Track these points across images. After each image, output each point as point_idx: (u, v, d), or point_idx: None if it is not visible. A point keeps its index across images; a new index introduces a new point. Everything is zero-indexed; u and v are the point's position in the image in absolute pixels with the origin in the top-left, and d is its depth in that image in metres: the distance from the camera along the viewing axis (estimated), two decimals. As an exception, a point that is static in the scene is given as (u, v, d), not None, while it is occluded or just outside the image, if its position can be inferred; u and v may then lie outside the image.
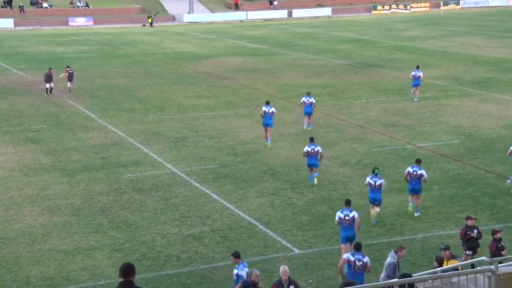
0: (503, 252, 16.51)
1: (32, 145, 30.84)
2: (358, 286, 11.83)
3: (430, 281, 13.02)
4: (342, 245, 18.40)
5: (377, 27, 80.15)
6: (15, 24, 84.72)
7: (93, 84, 45.69)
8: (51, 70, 42.48)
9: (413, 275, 12.92)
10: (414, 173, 21.65)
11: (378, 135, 31.82)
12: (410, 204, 22.07)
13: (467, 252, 17.62)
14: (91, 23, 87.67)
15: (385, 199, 22.29)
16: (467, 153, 28.73)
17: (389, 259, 15.78)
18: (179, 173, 26.66)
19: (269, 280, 16.82)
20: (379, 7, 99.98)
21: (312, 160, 24.60)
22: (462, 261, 16.01)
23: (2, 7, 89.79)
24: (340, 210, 18.55)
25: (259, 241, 20.28)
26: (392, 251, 15.94)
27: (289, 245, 19.99)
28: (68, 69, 43.26)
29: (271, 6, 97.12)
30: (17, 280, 18.17)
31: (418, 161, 22.28)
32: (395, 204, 22.89)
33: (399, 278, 12.32)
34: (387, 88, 42.55)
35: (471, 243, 17.64)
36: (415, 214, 21.90)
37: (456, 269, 14.08)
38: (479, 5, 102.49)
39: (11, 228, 21.48)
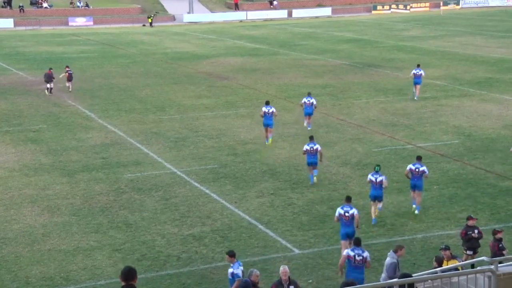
0: (504, 252, 16.49)
1: (32, 145, 30.85)
2: (358, 286, 11.82)
3: (430, 281, 13.02)
4: (342, 242, 18.54)
5: (377, 27, 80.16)
6: (15, 24, 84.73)
7: (93, 84, 45.70)
8: (52, 70, 42.52)
9: (413, 275, 12.91)
10: (417, 170, 21.79)
11: (378, 135, 31.83)
12: (414, 205, 22.14)
13: (468, 252, 17.62)
14: (91, 23, 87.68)
15: (385, 199, 22.31)
16: (467, 153, 28.73)
17: (389, 259, 15.76)
18: (179, 173, 26.66)
19: (269, 280, 16.82)
20: (379, 7, 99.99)
21: (312, 159, 24.67)
22: (463, 261, 16.00)
23: (2, 7, 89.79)
24: (340, 207, 18.68)
25: (259, 241, 20.28)
26: (391, 251, 15.92)
27: (289, 245, 19.99)
28: (67, 69, 43.28)
29: (271, 6, 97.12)
30: (17, 280, 18.17)
31: (419, 158, 22.43)
32: (395, 204, 22.89)
33: (399, 278, 12.33)
34: (387, 88, 42.55)
35: (471, 243, 17.64)
36: (416, 212, 21.96)
37: (456, 269, 14.08)
38: (479, 5, 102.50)
39: (11, 228, 21.48)
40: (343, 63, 53.02)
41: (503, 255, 15.94)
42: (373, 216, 21.42)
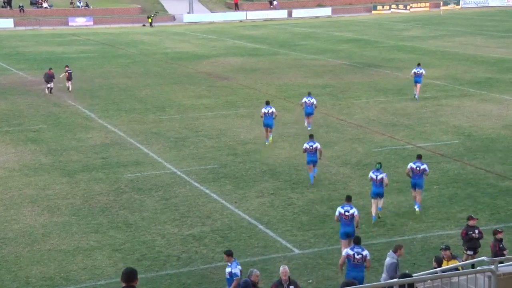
0: (505, 253, 16.48)
1: (32, 145, 30.85)
2: (358, 286, 11.82)
3: (430, 281, 13.02)
4: (342, 241, 18.63)
5: (377, 27, 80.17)
6: (15, 24, 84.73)
7: (93, 84, 45.70)
8: (52, 70, 42.57)
9: (413, 275, 12.91)
10: (417, 168, 21.89)
11: (378, 135, 31.83)
12: (416, 205, 22.20)
13: (468, 252, 17.62)
14: (91, 23, 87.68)
15: (385, 199, 22.34)
16: (467, 153, 28.73)
17: (388, 260, 15.76)
18: (179, 173, 26.66)
19: (269, 280, 16.82)
20: (379, 7, 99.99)
21: (311, 157, 24.77)
22: (463, 261, 16.00)
23: (2, 7, 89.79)
24: (340, 206, 18.77)
25: (259, 241, 20.28)
26: (391, 251, 15.92)
27: (289, 245, 19.99)
28: (67, 68, 43.32)
29: (271, 6, 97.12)
30: (17, 280, 18.17)
31: (419, 157, 22.52)
32: (395, 204, 22.89)
33: (399, 278, 12.33)
34: (387, 88, 42.55)
35: (472, 243, 17.63)
36: (416, 209, 22.04)
37: (456, 269, 14.08)
38: (479, 5, 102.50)
39: (11, 228, 21.48)
40: (343, 63, 53.02)
41: (503, 255, 15.92)
42: (373, 214, 21.47)
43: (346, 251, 16.44)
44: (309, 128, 32.04)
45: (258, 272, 14.87)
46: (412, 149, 29.09)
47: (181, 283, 17.87)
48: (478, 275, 11.97)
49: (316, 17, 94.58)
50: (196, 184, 25.32)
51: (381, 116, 35.44)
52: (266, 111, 29.84)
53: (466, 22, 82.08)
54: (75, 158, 28.86)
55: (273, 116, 29.95)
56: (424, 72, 39.17)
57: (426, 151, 28.44)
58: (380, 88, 42.57)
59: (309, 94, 32.86)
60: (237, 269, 15.42)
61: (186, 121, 34.90)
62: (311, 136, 25.35)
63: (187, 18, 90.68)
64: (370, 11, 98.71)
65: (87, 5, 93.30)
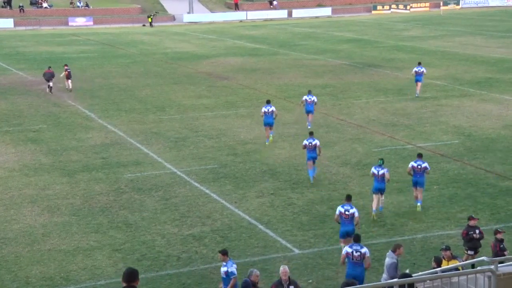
0: (505, 253, 16.48)
1: (32, 145, 30.85)
2: (358, 286, 11.82)
3: (430, 281, 13.01)
4: (342, 240, 18.78)
5: (377, 27, 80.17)
6: (15, 24, 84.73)
7: (93, 84, 45.70)
8: (51, 69, 42.65)
9: (413, 275, 12.91)
10: (419, 166, 22.11)
11: (378, 135, 31.83)
12: (418, 204, 22.33)
13: (469, 252, 17.62)
14: (91, 23, 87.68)
15: (385, 199, 22.37)
16: (467, 153, 28.73)
17: (388, 260, 15.76)
18: (179, 173, 26.66)
19: (269, 280, 16.82)
20: (379, 7, 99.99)
21: (311, 154, 24.95)
22: (463, 261, 16.00)
23: (2, 7, 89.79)
24: (341, 205, 18.90)
25: (259, 241, 20.28)
26: (390, 251, 15.93)
27: (289, 245, 19.99)
28: (66, 67, 43.39)
29: (271, 6, 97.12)
30: (17, 280, 18.17)
31: (420, 155, 22.75)
32: (395, 204, 22.90)
33: (399, 278, 12.33)
34: (387, 88, 42.56)
35: (472, 243, 17.63)
36: (418, 204, 22.20)
37: (456, 269, 14.07)
38: (479, 5, 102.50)
39: (11, 228, 21.48)
40: (343, 63, 53.02)
41: (504, 255, 15.91)
42: (374, 208, 21.73)
43: (345, 249, 16.55)
44: (309, 127, 32.10)
45: (258, 272, 14.87)
46: (412, 149, 29.09)
47: (181, 283, 17.87)
48: (478, 275, 11.96)
49: (316, 17, 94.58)
50: (196, 184, 25.32)
51: (381, 116, 35.44)
52: (266, 110, 29.95)
53: (466, 22, 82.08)
54: (75, 158, 28.86)
55: (273, 115, 30.01)
56: (425, 71, 39.35)
57: (426, 151, 28.43)
58: (380, 88, 42.57)
59: (309, 92, 32.96)
60: (233, 268, 15.41)
61: (186, 121, 34.91)
62: (311, 133, 25.70)
63: (187, 18, 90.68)
64: (370, 11, 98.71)
65: (87, 5, 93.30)
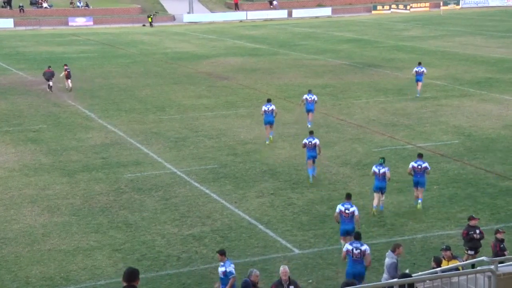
0: (505, 253, 16.48)
1: (32, 145, 30.84)
2: (358, 286, 11.83)
3: (430, 281, 13.01)
4: (342, 237, 19.00)
5: (377, 27, 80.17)
6: (15, 24, 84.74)
7: (93, 84, 45.70)
8: (51, 68, 42.70)
9: (413, 275, 12.91)
10: (419, 166, 22.20)
11: (378, 135, 31.83)
12: (419, 201, 22.42)
13: (469, 252, 17.62)
14: (91, 23, 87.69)
15: (385, 199, 22.38)
16: (467, 153, 28.73)
17: (388, 260, 15.76)
18: (179, 173, 26.66)
19: (269, 280, 16.82)
20: (379, 7, 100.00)
21: (311, 152, 25.05)
22: (463, 261, 15.99)
23: (2, 7, 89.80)
24: (341, 204, 19.03)
25: (259, 241, 20.28)
26: (389, 251, 15.95)
27: (289, 245, 19.99)
28: (66, 67, 43.45)
29: (271, 6, 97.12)
30: (17, 280, 18.17)
31: (420, 155, 22.86)
32: (395, 204, 22.90)
33: (399, 278, 12.33)
34: (387, 88, 42.56)
35: (473, 243, 17.63)
36: (419, 200, 22.29)
37: (456, 269, 14.07)
38: (479, 5, 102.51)
39: (11, 228, 21.48)
40: (343, 63, 53.02)
41: (504, 255, 15.91)
42: (374, 205, 21.92)
43: (346, 246, 16.71)
44: (309, 125, 32.15)
45: (258, 272, 14.87)
46: (412, 149, 29.09)
47: (181, 283, 17.87)
48: (478, 275, 11.96)
49: (316, 17, 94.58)
50: (196, 184, 25.32)
51: (381, 116, 35.45)
52: (266, 108, 30.14)
53: (466, 22, 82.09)
54: (75, 158, 28.86)
55: (273, 114, 30.12)
56: (425, 71, 39.46)
57: (426, 151, 28.43)
58: (380, 88, 42.57)
59: (309, 91, 33.05)
60: (231, 268, 15.41)
61: (186, 121, 34.90)
62: (311, 133, 25.85)
63: (187, 18, 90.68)
64: (370, 11, 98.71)
65: (87, 5, 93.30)
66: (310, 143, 24.95)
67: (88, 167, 27.47)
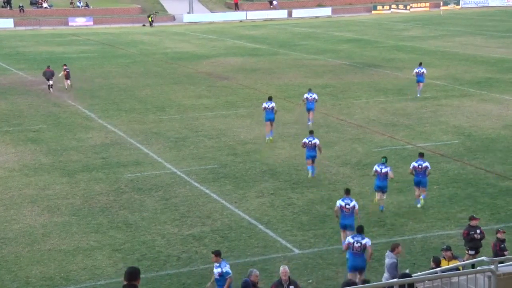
0: (505, 253, 16.48)
1: (32, 145, 30.84)
2: (358, 286, 11.83)
3: (430, 281, 13.01)
4: (342, 230, 19.28)
5: (377, 27, 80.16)
6: (15, 24, 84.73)
7: (93, 84, 45.70)
8: (50, 67, 42.75)
9: (413, 275, 12.91)
10: (420, 166, 22.27)
11: (378, 135, 31.83)
12: (418, 204, 22.46)
13: (470, 252, 17.62)
14: (91, 23, 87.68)
15: (385, 199, 22.38)
16: (467, 153, 28.73)
17: (388, 260, 15.78)
18: (179, 173, 26.66)
19: (269, 280, 16.82)
20: (379, 7, 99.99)
21: (310, 152, 25.17)
22: (464, 261, 16.00)
23: (2, 7, 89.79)
24: (341, 199, 19.23)
25: (259, 241, 20.28)
26: (388, 251, 15.98)
27: (289, 245, 19.99)
28: (65, 67, 43.47)
29: (271, 6, 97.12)
30: (17, 280, 18.17)
31: (421, 155, 22.97)
32: (395, 204, 22.90)
33: (399, 278, 12.33)
34: (387, 88, 42.56)
35: (473, 243, 17.63)
36: (421, 197, 22.40)
37: (456, 269, 14.07)
38: (479, 5, 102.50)
39: (11, 228, 21.47)
40: (343, 63, 53.03)
41: (504, 255, 15.91)
42: (376, 201, 22.13)
43: (347, 239, 16.99)
44: (309, 124, 32.20)
45: (257, 272, 14.87)
46: (412, 149, 29.10)
47: (181, 283, 17.87)
48: (478, 275, 11.96)
49: (316, 17, 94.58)
50: (196, 184, 25.32)
51: (381, 116, 35.45)
52: (267, 105, 30.46)
53: (466, 22, 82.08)
54: (75, 158, 28.85)
55: (274, 111, 30.26)
56: (425, 72, 39.48)
57: (426, 151, 28.40)
58: (380, 88, 42.57)
59: (310, 90, 33.16)
60: (227, 268, 15.40)
61: (186, 121, 34.90)
62: (311, 132, 25.98)
63: (187, 18, 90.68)
64: (370, 11, 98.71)
65: (87, 5, 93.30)
66: (310, 143, 25.07)
67: (88, 167, 27.47)
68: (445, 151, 29.00)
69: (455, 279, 12.17)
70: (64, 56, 57.74)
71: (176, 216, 22.25)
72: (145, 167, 27.49)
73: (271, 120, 30.42)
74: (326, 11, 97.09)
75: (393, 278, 14.86)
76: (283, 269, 14.61)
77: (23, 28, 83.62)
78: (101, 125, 34.50)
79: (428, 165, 22.32)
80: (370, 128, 32.95)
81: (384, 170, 21.85)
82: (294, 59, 55.51)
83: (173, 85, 45.08)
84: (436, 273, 14.01)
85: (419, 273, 15.02)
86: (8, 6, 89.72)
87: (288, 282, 14.49)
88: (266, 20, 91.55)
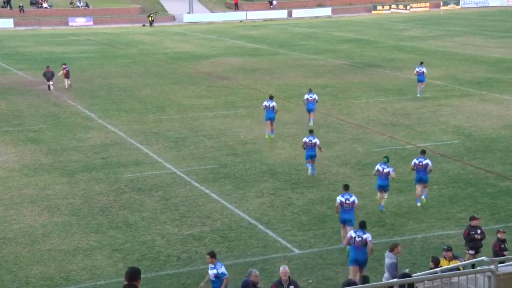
0: (505, 253, 16.48)
1: (32, 145, 30.84)
2: (358, 286, 11.83)
3: (430, 281, 13.01)
4: (342, 226, 19.56)
5: (377, 27, 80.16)
6: (15, 24, 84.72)
7: (93, 84, 45.70)
8: (50, 67, 42.77)
9: (413, 275, 12.92)
10: (420, 163, 22.44)
11: (378, 135, 31.83)
12: (419, 203, 22.50)
13: (470, 252, 17.62)
14: (91, 23, 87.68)
15: (385, 199, 22.38)
16: (467, 153, 28.73)
17: (388, 260, 15.79)
18: (179, 173, 26.66)
19: (269, 280, 16.82)
20: (379, 7, 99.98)
21: (310, 152, 25.25)
22: (464, 261, 16.00)
23: (2, 7, 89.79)
24: (340, 195, 19.50)
25: (259, 241, 20.28)
26: (387, 251, 16.00)
27: (289, 245, 19.99)
28: (64, 66, 43.47)
29: (271, 6, 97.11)
30: (17, 280, 18.17)
31: (423, 152, 23.14)
32: (395, 204, 22.90)
33: (399, 278, 12.33)
34: (387, 88, 42.56)
35: (474, 243, 17.63)
36: (423, 197, 22.47)
37: (457, 269, 14.07)
38: (479, 5, 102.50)
39: (11, 228, 21.47)
40: (343, 63, 53.02)
41: (504, 255, 15.91)
42: (381, 203, 22.22)
43: (350, 233, 17.33)
44: (310, 124, 32.24)
45: (257, 272, 14.86)
46: (412, 149, 29.10)
47: (181, 283, 17.87)
48: (478, 275, 11.96)
49: (316, 17, 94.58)
50: (196, 184, 25.32)
51: (381, 116, 35.45)
52: (268, 104, 30.53)
53: (466, 22, 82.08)
54: (75, 158, 28.85)
55: (274, 110, 30.31)
56: (425, 71, 39.52)
57: (426, 151, 28.41)
58: (380, 88, 42.57)
59: (310, 91, 33.16)
60: (223, 269, 15.37)
61: (186, 121, 34.90)
62: (311, 131, 26.03)
63: (187, 18, 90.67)
64: (370, 11, 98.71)
65: (87, 5, 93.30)
66: (310, 142, 25.13)
67: (88, 167, 27.47)
68: (445, 151, 29.00)
69: (455, 279, 12.18)
70: (64, 56, 57.73)
71: (176, 216, 22.26)
72: (145, 167, 27.49)
73: (272, 119, 30.45)
74: (326, 11, 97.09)
75: (393, 278, 14.86)
76: (283, 269, 14.61)
77: (23, 28, 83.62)
78: (101, 125, 34.51)
79: (429, 163, 22.42)
80: (370, 128, 32.95)
81: (386, 170, 21.95)
82: (294, 59, 55.51)
83: (173, 85, 45.08)
84: (436, 273, 14.01)
85: (419, 273, 15.03)
86: (8, 6, 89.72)
87: (288, 282, 14.49)
88: (266, 20, 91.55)
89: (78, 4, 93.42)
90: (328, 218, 21.53)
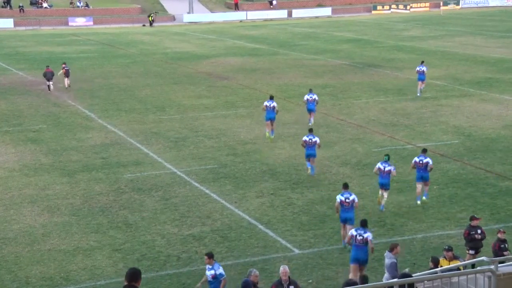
0: (505, 253, 16.48)
1: (32, 145, 30.84)
2: (358, 286, 11.83)
3: (429, 281, 13.01)
4: (342, 225, 19.64)
5: (377, 27, 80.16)
6: (15, 24, 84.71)
7: (93, 84, 45.70)
8: (50, 67, 42.80)
9: (413, 275, 12.92)
10: (420, 162, 22.52)
11: (378, 135, 31.83)
12: (418, 201, 22.60)
13: (470, 252, 17.63)
14: (91, 23, 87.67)
15: (385, 199, 22.39)
16: (467, 153, 28.73)
17: (388, 260, 15.79)
18: (179, 173, 26.66)
19: (269, 280, 16.82)
20: (379, 7, 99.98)
21: (310, 150, 25.34)
22: (464, 261, 16.00)
23: (2, 7, 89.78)
24: (340, 194, 19.59)
25: (259, 241, 20.28)
26: (387, 251, 16.01)
27: (289, 245, 19.99)
28: (64, 65, 43.47)
29: (271, 6, 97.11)
30: (17, 280, 18.17)
31: (424, 151, 23.18)
32: (395, 204, 22.90)
33: (399, 278, 12.33)
34: (387, 88, 42.56)
35: (474, 243, 17.63)
36: (424, 198, 22.53)
37: (457, 269, 14.07)
38: (479, 5, 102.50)
39: (11, 228, 21.48)
40: (343, 63, 53.02)
41: (504, 255, 15.91)
42: (381, 203, 22.23)
43: (351, 231, 17.45)
44: (310, 124, 32.24)
45: (257, 272, 14.85)
46: (412, 149, 29.10)
47: (181, 283, 17.87)
48: (478, 275, 11.96)
49: (316, 17, 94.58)
50: (196, 184, 25.32)
51: (381, 116, 35.45)
52: (268, 104, 30.51)
53: (466, 22, 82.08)
54: (75, 158, 28.86)
55: (275, 110, 30.30)
56: (425, 70, 39.59)
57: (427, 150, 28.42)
58: (380, 88, 42.57)
59: (310, 91, 33.15)
60: (221, 270, 15.36)
61: (186, 121, 34.90)
62: (310, 130, 26.09)
63: (187, 18, 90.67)
64: (370, 11, 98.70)
65: (87, 5, 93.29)
66: (310, 141, 25.23)
67: (88, 167, 27.47)
68: (445, 151, 29.00)
69: (455, 279, 12.18)
70: (64, 56, 57.70)
71: (176, 216, 22.26)
72: (145, 167, 27.49)
73: (272, 119, 30.45)
74: (326, 11, 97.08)
75: (393, 278, 14.86)
76: (283, 269, 14.61)
77: (23, 28, 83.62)
78: (101, 125, 34.51)
79: (430, 161, 22.49)
80: (370, 128, 32.95)
81: (387, 169, 22.00)
82: (294, 59, 55.51)
83: (173, 85, 45.08)
84: (436, 273, 14.01)
85: (419, 273, 15.03)
86: (8, 6, 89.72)
87: (288, 282, 14.50)
88: (266, 20, 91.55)
89: (78, 4, 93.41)
90: (328, 218, 21.53)
